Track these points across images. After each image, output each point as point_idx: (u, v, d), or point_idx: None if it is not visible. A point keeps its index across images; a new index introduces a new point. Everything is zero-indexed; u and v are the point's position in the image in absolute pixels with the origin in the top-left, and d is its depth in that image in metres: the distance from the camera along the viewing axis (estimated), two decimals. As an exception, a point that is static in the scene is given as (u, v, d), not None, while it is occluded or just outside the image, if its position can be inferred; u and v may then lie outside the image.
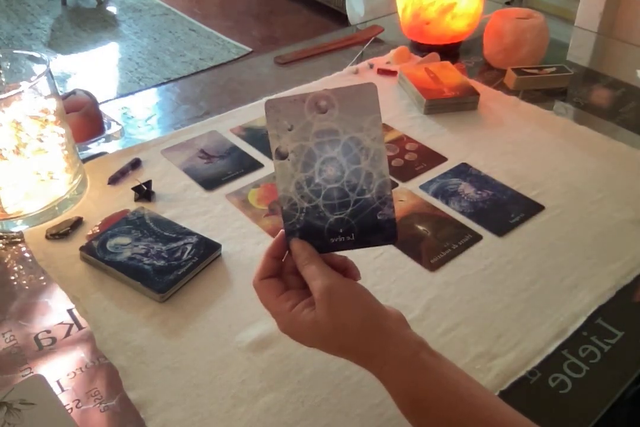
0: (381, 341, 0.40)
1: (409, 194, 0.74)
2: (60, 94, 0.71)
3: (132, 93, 1.03)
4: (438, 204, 0.72)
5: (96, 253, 0.63)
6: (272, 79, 1.05)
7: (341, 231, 0.43)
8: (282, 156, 0.42)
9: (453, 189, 0.74)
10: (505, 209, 0.71)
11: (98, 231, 0.68)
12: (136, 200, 0.73)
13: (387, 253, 0.65)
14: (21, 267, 0.65)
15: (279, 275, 0.45)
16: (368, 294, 0.42)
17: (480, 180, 0.76)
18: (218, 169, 0.79)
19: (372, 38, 1.14)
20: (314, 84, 0.99)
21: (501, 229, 0.68)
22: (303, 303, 0.42)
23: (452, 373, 0.40)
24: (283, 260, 0.45)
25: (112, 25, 3.35)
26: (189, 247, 0.64)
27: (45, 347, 0.55)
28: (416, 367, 0.40)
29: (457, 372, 0.41)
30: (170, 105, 0.97)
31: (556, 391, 0.51)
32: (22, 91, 0.62)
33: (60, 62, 2.90)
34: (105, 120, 0.86)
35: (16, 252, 0.67)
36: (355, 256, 0.65)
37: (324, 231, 0.43)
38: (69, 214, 0.71)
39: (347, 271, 0.45)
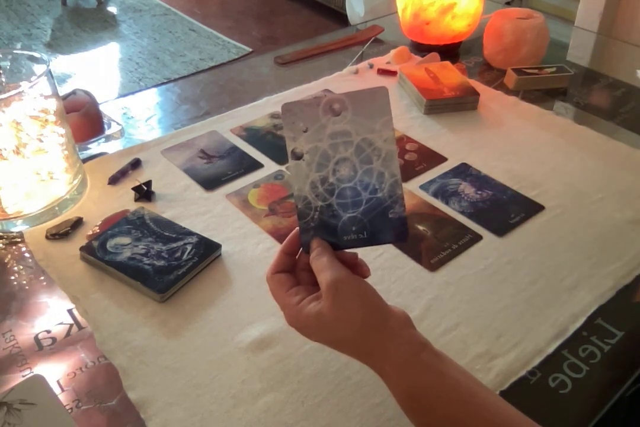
0: (383, 338, 0.41)
1: (409, 194, 0.74)
2: (60, 94, 0.71)
3: (132, 93, 1.03)
4: (438, 204, 0.72)
5: (96, 253, 0.63)
6: (272, 79, 1.05)
7: (354, 228, 0.44)
8: (297, 157, 0.44)
9: (453, 189, 0.74)
10: (505, 209, 0.71)
11: (98, 231, 0.68)
12: (136, 200, 0.73)
13: (387, 253, 0.65)
14: (21, 267, 0.65)
15: (292, 271, 0.46)
16: (374, 293, 0.43)
17: (480, 180, 0.76)
18: (218, 169, 0.79)
19: (372, 38, 1.14)
20: (313, 84, 0.99)
21: (501, 229, 0.68)
22: (310, 297, 0.43)
23: (453, 372, 0.40)
24: (297, 257, 0.46)
25: (112, 25, 3.35)
26: (189, 247, 0.64)
27: (45, 347, 0.55)
28: (416, 367, 0.40)
29: (459, 372, 0.41)
30: (171, 105, 0.97)
31: (556, 391, 0.51)
32: (22, 91, 0.62)
33: (60, 62, 2.90)
34: (105, 120, 0.86)
35: (16, 252, 0.67)
36: (355, 256, 0.65)
37: (337, 229, 0.44)
38: (69, 214, 0.71)
39: (357, 268, 0.45)
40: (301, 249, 0.46)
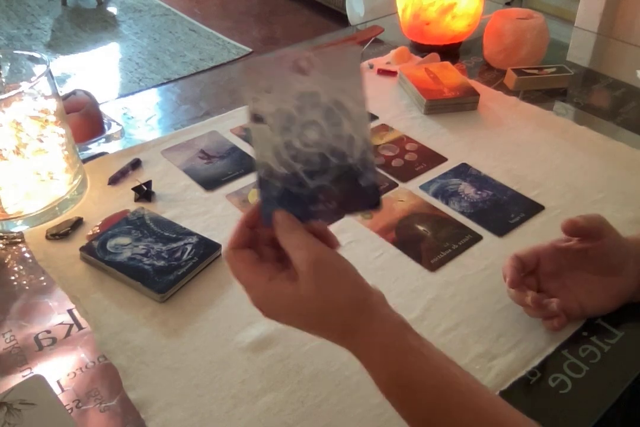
0: (365, 319, 0.39)
1: (409, 194, 0.74)
2: (61, 94, 0.71)
3: (132, 93, 1.03)
4: (438, 204, 0.72)
5: (96, 253, 0.63)
6: (272, 79, 1.05)
7: (321, 198, 0.41)
8: (259, 120, 0.40)
9: (453, 189, 0.74)
10: (505, 209, 0.71)
11: (98, 231, 0.68)
12: (136, 200, 0.73)
13: (387, 253, 0.65)
14: (21, 267, 0.65)
15: (254, 246, 0.42)
16: (354, 269, 0.40)
17: (480, 180, 0.76)
18: (218, 169, 0.79)
19: (372, 38, 1.14)
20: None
21: (501, 229, 0.68)
22: (282, 276, 0.40)
23: (434, 355, 0.40)
24: (258, 230, 0.42)
25: (112, 25, 3.35)
26: (189, 248, 0.64)
27: (45, 347, 0.55)
28: (400, 348, 0.39)
29: (438, 354, 0.40)
30: (171, 105, 0.97)
31: (556, 391, 0.51)
32: (22, 91, 0.62)
33: (60, 63, 2.90)
34: (105, 120, 0.86)
35: (16, 253, 0.67)
36: (355, 256, 0.65)
37: (303, 199, 0.41)
38: (69, 214, 0.71)
39: (326, 239, 0.42)
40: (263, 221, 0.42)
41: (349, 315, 0.39)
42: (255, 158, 0.40)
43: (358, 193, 0.41)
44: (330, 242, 0.42)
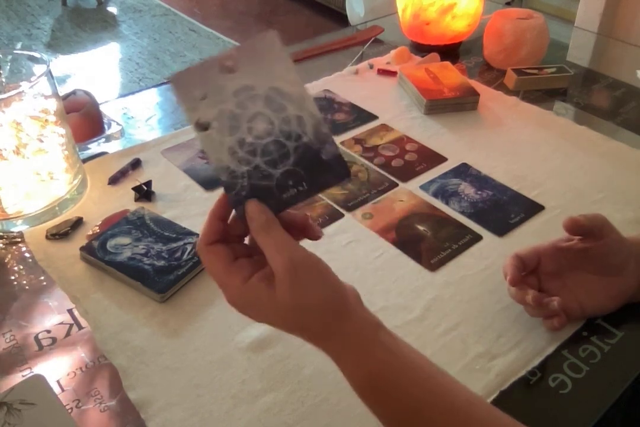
0: (342, 321, 0.39)
1: (409, 194, 0.74)
2: (60, 94, 0.71)
3: (132, 93, 1.03)
4: (438, 204, 0.72)
5: (96, 253, 0.63)
6: (272, 79, 1.05)
7: (291, 183, 0.41)
8: (204, 127, 0.40)
9: (453, 189, 0.74)
10: (505, 209, 0.71)
11: (98, 231, 0.68)
12: (136, 200, 0.73)
13: (387, 253, 0.65)
14: (21, 267, 0.65)
15: (226, 239, 0.41)
16: (330, 271, 0.40)
17: (480, 180, 0.76)
18: (218, 169, 0.79)
19: (372, 38, 1.14)
20: (314, 84, 0.99)
21: (501, 229, 0.68)
22: (258, 276, 0.39)
23: (409, 353, 0.40)
24: (229, 222, 0.42)
25: (112, 25, 3.36)
26: (189, 247, 0.64)
27: (45, 347, 0.55)
28: (375, 348, 0.39)
29: (413, 352, 0.40)
30: (171, 105, 0.97)
31: (556, 391, 0.51)
32: (23, 91, 0.62)
33: (60, 63, 2.90)
34: (105, 120, 0.86)
35: (16, 252, 0.67)
36: (355, 256, 0.65)
37: (272, 189, 0.41)
38: (69, 214, 0.71)
39: (307, 230, 0.42)
40: (233, 213, 0.42)
41: (326, 319, 0.39)
42: (213, 164, 0.40)
43: (324, 168, 0.41)
44: (311, 233, 0.42)
